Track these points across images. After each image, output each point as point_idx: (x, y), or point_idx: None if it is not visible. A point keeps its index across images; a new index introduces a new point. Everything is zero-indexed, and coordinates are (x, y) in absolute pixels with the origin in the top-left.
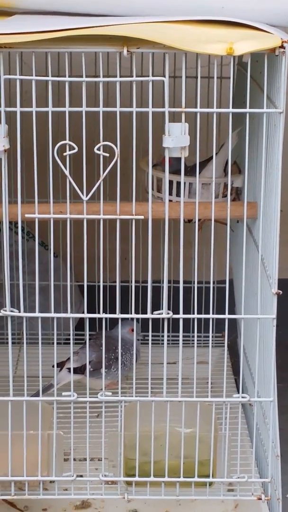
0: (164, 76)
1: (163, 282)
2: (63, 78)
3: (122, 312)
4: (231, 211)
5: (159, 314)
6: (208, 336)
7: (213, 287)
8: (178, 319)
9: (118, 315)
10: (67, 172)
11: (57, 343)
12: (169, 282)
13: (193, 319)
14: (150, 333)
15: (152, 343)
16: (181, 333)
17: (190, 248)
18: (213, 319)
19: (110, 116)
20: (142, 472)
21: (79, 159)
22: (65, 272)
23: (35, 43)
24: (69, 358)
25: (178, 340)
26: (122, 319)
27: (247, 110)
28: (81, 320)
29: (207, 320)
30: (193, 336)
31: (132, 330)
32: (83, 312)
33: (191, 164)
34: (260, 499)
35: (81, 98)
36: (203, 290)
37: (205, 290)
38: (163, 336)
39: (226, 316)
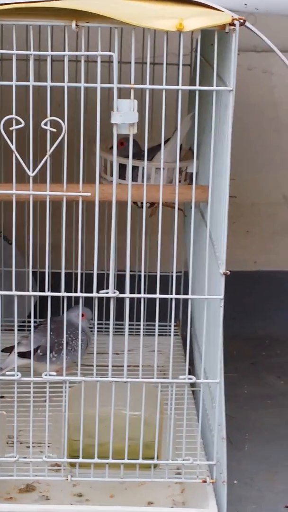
0: (112, 51)
1: (108, 269)
2: (9, 51)
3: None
4: (184, 195)
5: (105, 293)
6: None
7: (159, 271)
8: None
9: (62, 293)
10: (13, 147)
11: (7, 330)
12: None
13: (140, 300)
14: (95, 314)
15: (98, 331)
16: (127, 315)
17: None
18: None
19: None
20: (87, 454)
21: (25, 137)
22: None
23: None
24: (18, 343)
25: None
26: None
27: (197, 87)
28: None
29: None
30: (138, 324)
31: (83, 315)
32: (36, 300)
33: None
34: (205, 481)
35: (28, 74)
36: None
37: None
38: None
39: (173, 296)
